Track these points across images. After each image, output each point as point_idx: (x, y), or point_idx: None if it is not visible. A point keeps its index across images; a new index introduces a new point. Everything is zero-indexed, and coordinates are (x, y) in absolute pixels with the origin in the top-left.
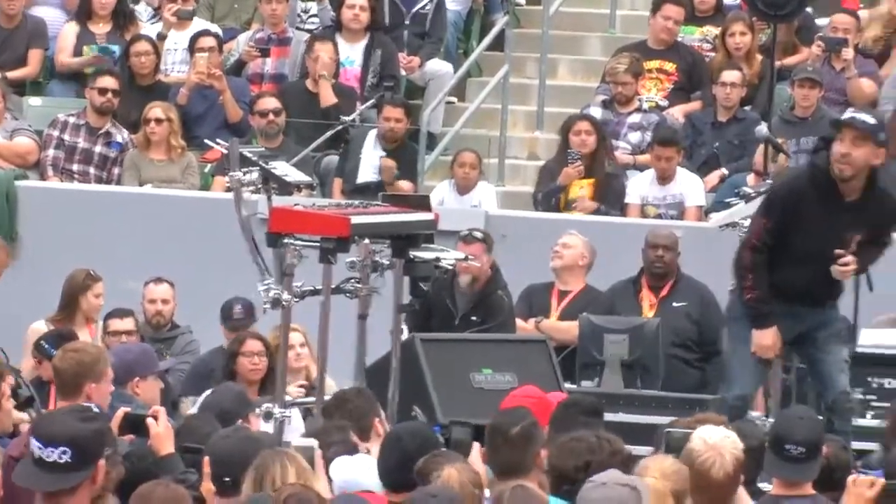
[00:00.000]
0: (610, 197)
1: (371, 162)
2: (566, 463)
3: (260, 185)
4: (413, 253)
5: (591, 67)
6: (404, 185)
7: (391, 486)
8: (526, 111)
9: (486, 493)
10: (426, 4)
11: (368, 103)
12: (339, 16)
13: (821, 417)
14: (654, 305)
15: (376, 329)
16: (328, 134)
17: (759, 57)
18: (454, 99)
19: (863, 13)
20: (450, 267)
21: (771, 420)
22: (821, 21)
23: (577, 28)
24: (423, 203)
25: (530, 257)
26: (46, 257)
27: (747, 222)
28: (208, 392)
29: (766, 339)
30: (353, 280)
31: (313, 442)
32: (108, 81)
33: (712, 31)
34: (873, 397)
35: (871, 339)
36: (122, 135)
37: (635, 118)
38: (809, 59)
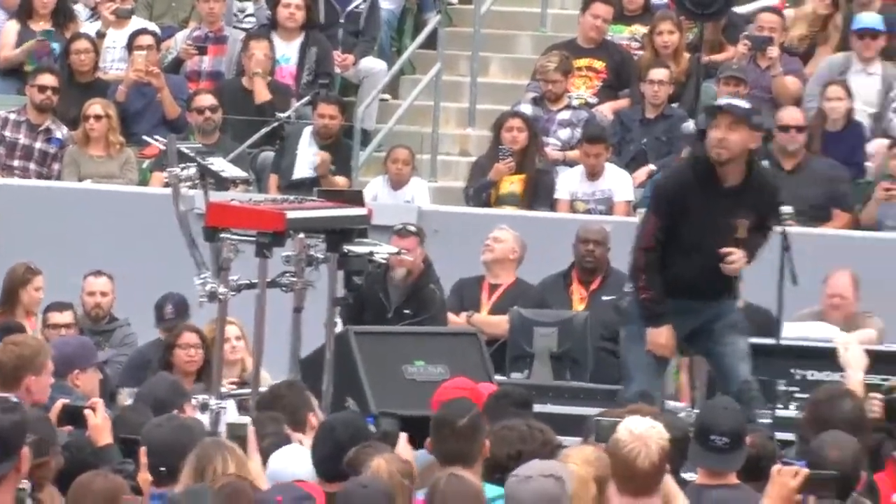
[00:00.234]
0: (540, 193)
1: (306, 158)
2: (499, 451)
3: (197, 181)
4: (347, 247)
5: (521, 65)
6: (339, 181)
7: (325, 476)
8: (458, 108)
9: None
10: (360, 3)
11: (304, 100)
12: (274, 14)
13: None
14: (585, 299)
15: (311, 322)
16: (264, 130)
17: (686, 55)
18: (388, 96)
19: (788, 12)
20: (383, 261)
21: (696, 411)
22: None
23: (508, 27)
24: (356, 198)
25: (462, 251)
26: None
27: None
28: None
29: (661, 337)
30: (288, 274)
31: (246, 419)
32: (47, 79)
33: (640, 29)
34: (796, 389)
35: (795, 331)
36: (61, 131)
37: (565, 115)
38: (735, 58)
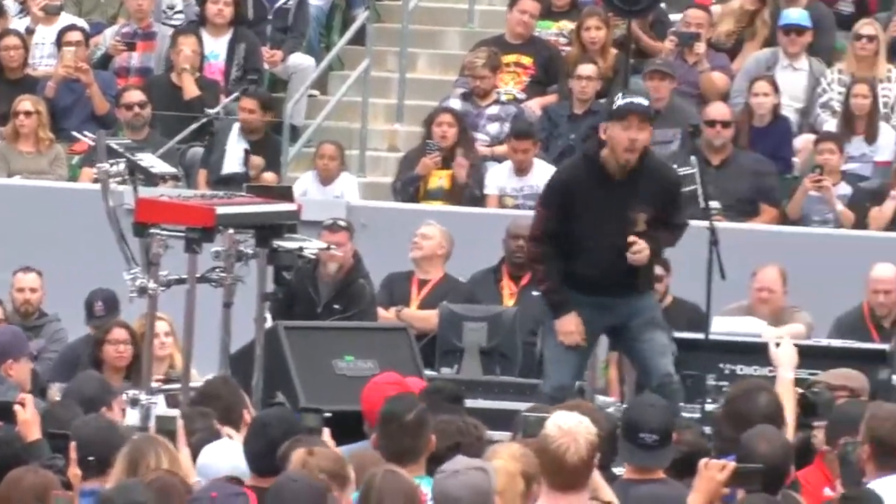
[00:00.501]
0: (468, 188)
1: (235, 153)
2: (439, 444)
3: (126, 177)
4: (276, 242)
5: (449, 61)
6: (268, 177)
7: (257, 471)
8: (386, 104)
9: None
10: (289, 0)
11: (232, 96)
12: (203, 11)
13: None
14: (515, 294)
15: (240, 317)
16: (193, 126)
17: (613, 51)
18: (316, 92)
19: (715, 8)
20: (312, 256)
21: (626, 406)
22: (675, 17)
23: (436, 22)
24: (286, 194)
25: (390, 246)
26: None
27: None
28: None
29: (567, 325)
30: (217, 269)
31: (175, 412)
32: None
33: (568, 25)
34: (725, 383)
35: (723, 326)
36: None
37: (493, 110)
38: (663, 53)
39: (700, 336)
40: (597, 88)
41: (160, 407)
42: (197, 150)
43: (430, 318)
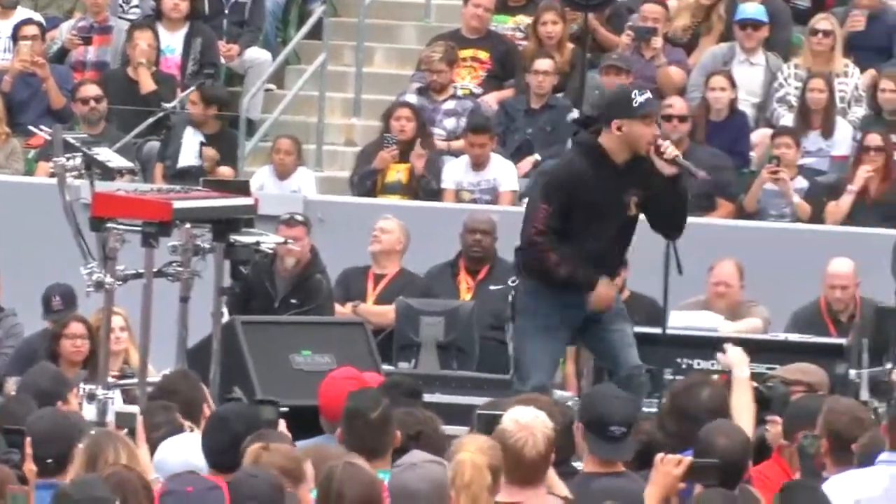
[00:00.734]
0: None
1: (191, 147)
2: (400, 434)
3: (83, 171)
4: (233, 237)
5: (406, 56)
6: (225, 171)
7: (215, 467)
8: (343, 98)
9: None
10: None
11: (189, 90)
12: (159, 5)
13: None
14: (472, 289)
15: (197, 312)
16: (150, 120)
17: (569, 45)
18: (273, 86)
19: (672, 2)
20: (269, 251)
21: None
22: None
23: (392, 17)
24: (243, 188)
25: (347, 241)
26: None
27: None
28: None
29: (604, 289)
30: (174, 263)
31: (135, 408)
32: None
33: (525, 20)
34: (682, 378)
35: (680, 320)
36: None
37: (450, 105)
38: (619, 48)
39: (657, 330)
40: (553, 83)
41: (117, 402)
42: (153, 145)
43: (386, 314)
